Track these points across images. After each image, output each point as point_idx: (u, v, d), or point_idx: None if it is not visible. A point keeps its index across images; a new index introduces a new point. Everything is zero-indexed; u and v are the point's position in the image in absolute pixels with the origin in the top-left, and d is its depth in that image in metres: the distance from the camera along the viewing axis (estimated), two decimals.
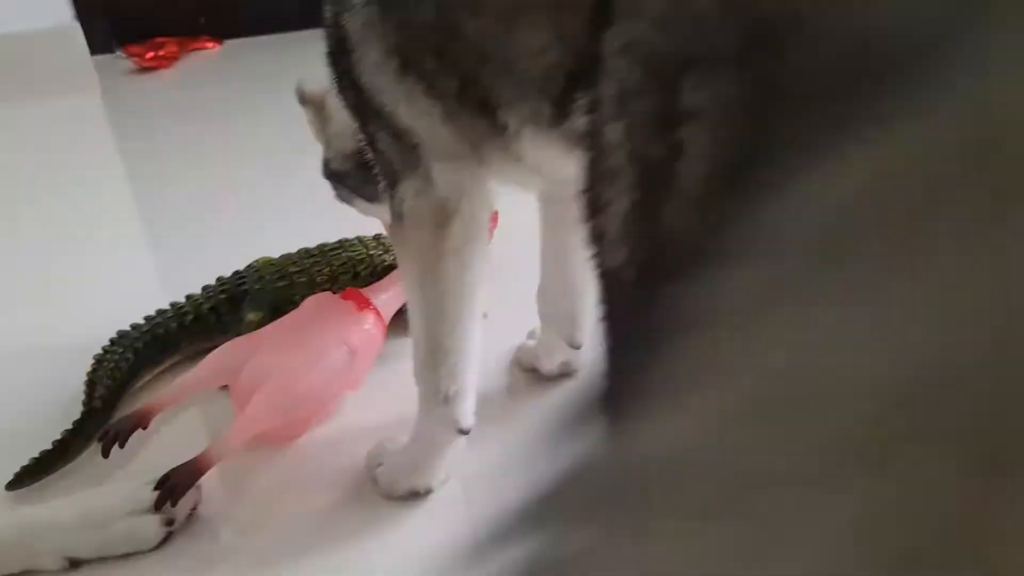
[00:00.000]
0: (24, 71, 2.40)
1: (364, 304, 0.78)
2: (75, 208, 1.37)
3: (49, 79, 2.29)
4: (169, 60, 2.23)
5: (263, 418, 0.69)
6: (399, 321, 0.78)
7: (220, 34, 2.47)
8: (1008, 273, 0.16)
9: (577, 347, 0.76)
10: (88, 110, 2.00)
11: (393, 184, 0.60)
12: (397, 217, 0.61)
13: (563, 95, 0.44)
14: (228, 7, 2.46)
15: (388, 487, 0.66)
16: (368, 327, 0.77)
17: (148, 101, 1.99)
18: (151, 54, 2.22)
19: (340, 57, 0.58)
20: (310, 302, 0.80)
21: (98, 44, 2.46)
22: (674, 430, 0.20)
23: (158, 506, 0.63)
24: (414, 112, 0.55)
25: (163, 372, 0.86)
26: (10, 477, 0.72)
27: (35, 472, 0.72)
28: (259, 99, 1.83)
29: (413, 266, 0.61)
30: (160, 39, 2.37)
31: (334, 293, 0.82)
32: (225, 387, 0.76)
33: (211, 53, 2.37)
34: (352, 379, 0.76)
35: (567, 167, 0.45)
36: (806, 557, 0.16)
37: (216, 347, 0.78)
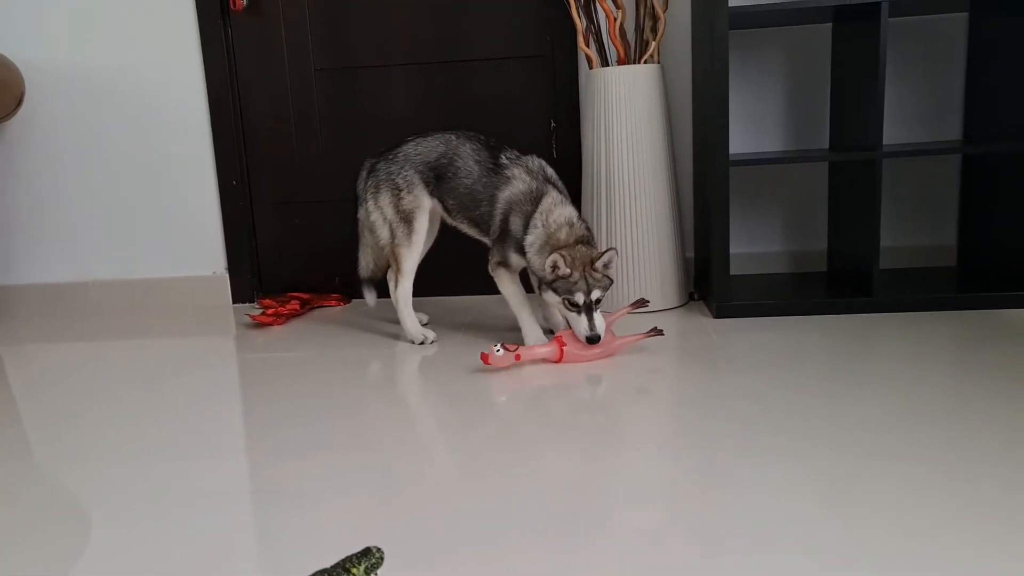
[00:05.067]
0: (173, 311, 2.66)
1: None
2: (186, 451, 1.45)
3: (192, 319, 2.52)
4: (285, 317, 2.40)
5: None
6: None
7: (349, 293, 2.67)
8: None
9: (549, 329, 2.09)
10: (220, 351, 2.15)
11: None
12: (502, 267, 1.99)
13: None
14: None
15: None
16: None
17: (271, 347, 2.12)
18: (272, 310, 2.40)
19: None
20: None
21: (241, 293, 2.71)
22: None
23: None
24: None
25: None
26: None
27: None
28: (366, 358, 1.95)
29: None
30: (292, 294, 2.58)
31: None
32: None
33: (335, 310, 2.54)
34: (612, 348, 1.86)
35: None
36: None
37: None
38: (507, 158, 1.96)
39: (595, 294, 1.78)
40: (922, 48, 2.39)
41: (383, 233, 2.07)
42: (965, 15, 2.36)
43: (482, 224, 2.00)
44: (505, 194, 1.92)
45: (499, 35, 2.51)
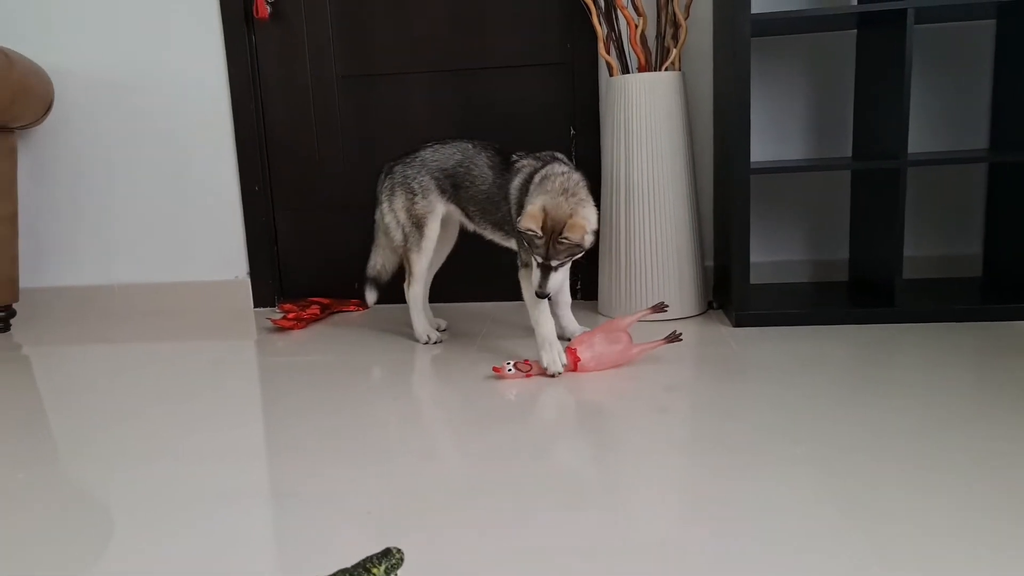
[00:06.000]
0: (196, 314, 2.69)
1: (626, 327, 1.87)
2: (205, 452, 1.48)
3: (214, 323, 2.54)
4: (306, 322, 2.42)
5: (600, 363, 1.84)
6: None
7: None
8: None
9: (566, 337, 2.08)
10: (242, 355, 2.18)
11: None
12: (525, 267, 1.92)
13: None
14: None
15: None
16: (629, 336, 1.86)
17: (292, 351, 2.14)
18: (293, 314, 2.42)
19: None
20: (615, 322, 1.87)
21: (262, 297, 2.73)
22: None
23: None
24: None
25: None
26: None
27: None
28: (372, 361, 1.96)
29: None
30: (313, 299, 2.60)
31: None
32: None
33: (355, 315, 2.56)
34: (629, 355, 1.85)
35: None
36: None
37: None
38: (517, 155, 1.99)
39: (554, 262, 1.76)
40: (948, 55, 2.36)
41: (396, 236, 2.12)
42: (992, 22, 2.33)
43: (505, 226, 2.01)
44: (516, 182, 1.94)
45: (519, 42, 2.52)
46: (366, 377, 1.87)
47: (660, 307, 1.96)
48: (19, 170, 2.76)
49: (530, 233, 1.74)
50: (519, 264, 1.95)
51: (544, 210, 1.73)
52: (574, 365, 1.81)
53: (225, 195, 2.70)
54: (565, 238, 1.71)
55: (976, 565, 0.94)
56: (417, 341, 2.15)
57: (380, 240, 2.22)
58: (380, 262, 2.25)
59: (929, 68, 2.38)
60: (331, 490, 1.25)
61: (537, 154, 1.97)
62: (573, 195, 1.76)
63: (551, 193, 1.77)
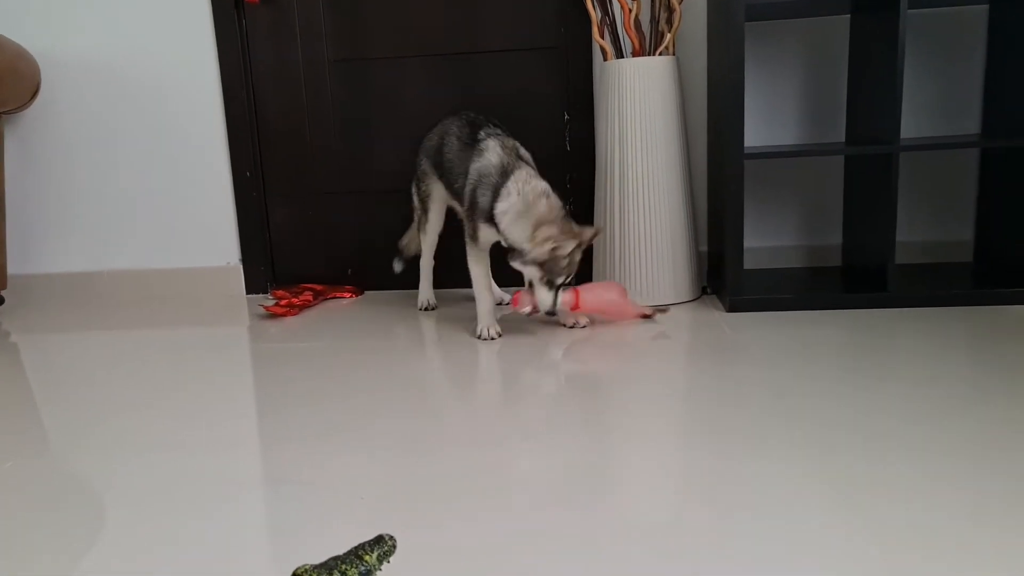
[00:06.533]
0: (187, 301, 2.68)
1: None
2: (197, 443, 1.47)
3: (206, 309, 2.53)
4: (298, 308, 2.41)
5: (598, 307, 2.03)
6: None
7: (362, 285, 2.67)
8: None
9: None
10: (234, 342, 2.17)
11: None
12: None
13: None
14: (373, 262, 2.68)
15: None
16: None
17: (285, 338, 2.13)
18: (285, 301, 2.40)
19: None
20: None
21: (254, 284, 2.72)
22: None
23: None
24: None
25: None
26: None
27: None
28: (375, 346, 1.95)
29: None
30: (305, 285, 2.59)
31: None
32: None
33: (348, 302, 2.55)
34: (629, 312, 2.06)
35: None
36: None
37: None
38: (485, 132, 2.01)
39: (569, 279, 1.92)
40: (941, 40, 2.36)
41: (415, 218, 2.33)
42: (985, 7, 2.33)
43: (460, 195, 2.07)
44: (476, 165, 1.97)
45: (514, 26, 2.50)
46: (359, 364, 1.86)
47: (660, 310, 2.12)
48: (6, 155, 2.72)
49: (561, 255, 1.85)
50: (467, 235, 2.04)
51: (562, 237, 1.87)
52: (576, 302, 1.99)
53: (216, 180, 2.68)
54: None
55: (971, 545, 0.95)
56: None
57: (415, 224, 2.40)
58: (408, 239, 2.44)
59: (922, 53, 2.38)
60: (324, 477, 1.25)
61: (503, 140, 1.97)
62: (569, 219, 1.91)
63: (553, 223, 1.86)
